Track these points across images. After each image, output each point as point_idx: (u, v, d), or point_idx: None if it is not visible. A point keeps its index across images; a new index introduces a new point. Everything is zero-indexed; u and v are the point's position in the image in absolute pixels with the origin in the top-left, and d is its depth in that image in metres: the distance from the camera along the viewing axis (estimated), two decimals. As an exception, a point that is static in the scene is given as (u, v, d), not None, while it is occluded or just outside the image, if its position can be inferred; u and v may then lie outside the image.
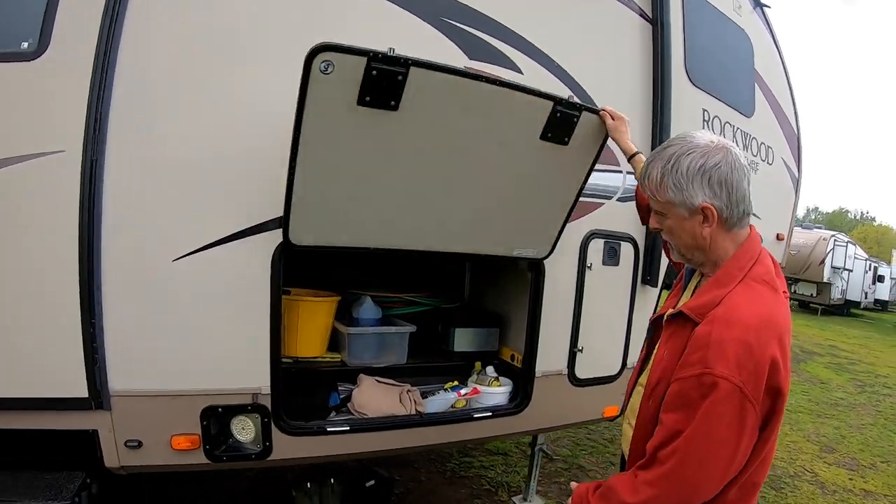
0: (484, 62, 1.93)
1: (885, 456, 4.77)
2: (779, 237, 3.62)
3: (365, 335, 2.09)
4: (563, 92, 1.98)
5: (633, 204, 1.94)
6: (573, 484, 1.25)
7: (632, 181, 2.24)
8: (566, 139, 1.69)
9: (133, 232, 1.55)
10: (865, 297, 17.36)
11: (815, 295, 16.14)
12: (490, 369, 2.33)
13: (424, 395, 2.06)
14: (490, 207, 1.83)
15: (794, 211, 3.80)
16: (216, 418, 1.77)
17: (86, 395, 1.54)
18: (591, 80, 2.21)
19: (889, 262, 18.67)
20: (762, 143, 3.39)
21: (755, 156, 3.31)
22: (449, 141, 1.61)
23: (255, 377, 1.77)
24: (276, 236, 1.69)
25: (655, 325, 1.27)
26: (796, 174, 3.82)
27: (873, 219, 58.00)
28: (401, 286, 2.47)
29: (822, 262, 15.19)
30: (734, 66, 3.22)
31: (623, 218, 2.33)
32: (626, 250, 2.37)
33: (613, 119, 1.68)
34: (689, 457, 0.97)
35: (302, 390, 2.04)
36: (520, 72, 2.01)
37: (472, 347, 2.39)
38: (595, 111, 1.69)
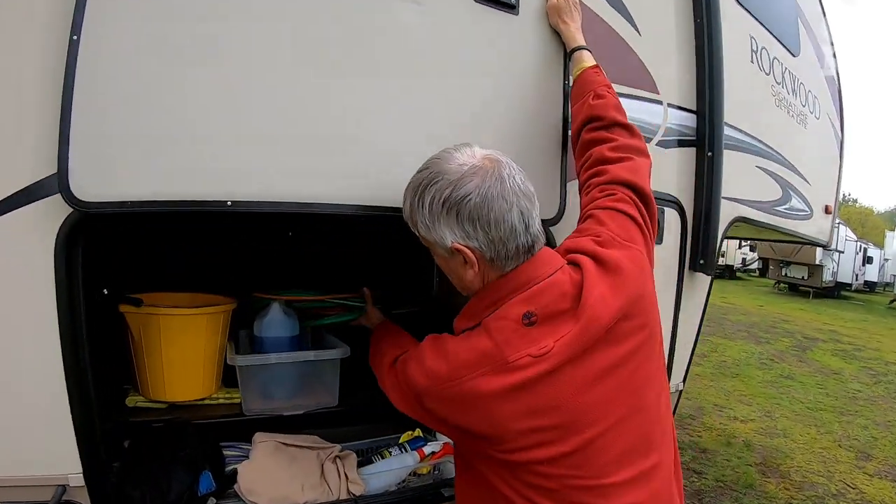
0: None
1: (925, 461, 4.19)
2: (827, 210, 2.92)
3: (266, 367, 1.30)
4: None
5: (677, 151, 1.46)
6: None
7: (676, 117, 1.50)
8: (513, 1, 1.22)
9: None
10: (856, 280, 17.08)
11: (806, 277, 15.87)
12: (470, 405, 1.56)
13: (365, 461, 1.29)
14: (439, 124, 1.15)
15: (840, 179, 3.11)
16: (15, 522, 1.08)
17: None
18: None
19: (881, 245, 18.40)
20: (809, 90, 2.68)
21: (804, 105, 2.60)
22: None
23: (57, 458, 1.04)
24: (56, 206, 0.92)
25: None
26: (840, 134, 3.13)
27: (855, 200, 58.71)
28: (337, 283, 1.67)
29: (815, 243, 14.80)
30: (777, -11, 2.50)
31: (665, 170, 1.52)
32: (671, 219, 1.56)
33: None
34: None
35: (173, 459, 1.27)
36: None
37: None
38: None
